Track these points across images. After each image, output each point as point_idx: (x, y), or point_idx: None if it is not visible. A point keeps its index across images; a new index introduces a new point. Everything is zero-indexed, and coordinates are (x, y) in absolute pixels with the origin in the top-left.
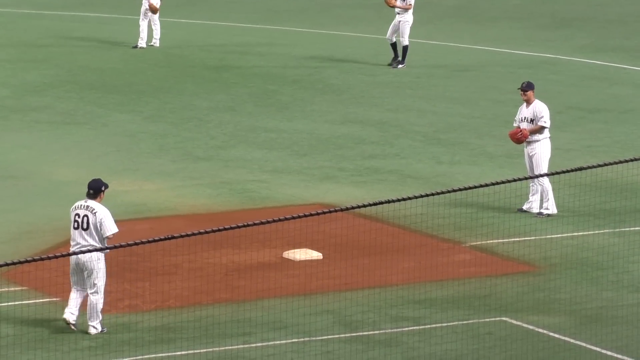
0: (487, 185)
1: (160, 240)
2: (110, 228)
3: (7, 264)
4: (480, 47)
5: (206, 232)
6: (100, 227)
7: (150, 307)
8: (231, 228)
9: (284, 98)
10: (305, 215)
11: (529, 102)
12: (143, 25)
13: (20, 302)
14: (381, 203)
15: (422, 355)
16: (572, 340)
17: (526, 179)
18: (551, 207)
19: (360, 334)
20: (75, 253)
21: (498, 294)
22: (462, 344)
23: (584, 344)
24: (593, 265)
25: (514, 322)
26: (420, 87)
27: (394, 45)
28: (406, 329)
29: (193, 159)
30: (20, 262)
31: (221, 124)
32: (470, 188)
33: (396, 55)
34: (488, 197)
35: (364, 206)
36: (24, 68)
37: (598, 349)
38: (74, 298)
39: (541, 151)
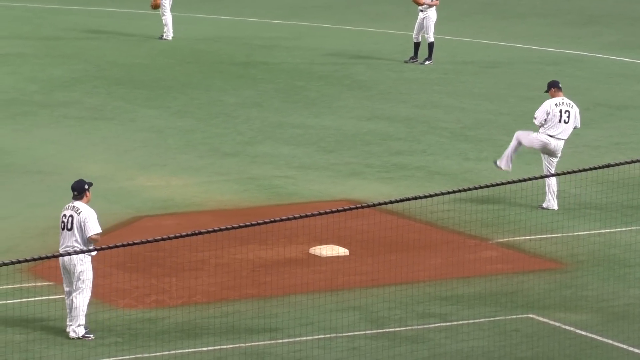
0: (514, 182)
1: (187, 235)
2: (93, 228)
3: (34, 259)
4: (508, 43)
5: (233, 228)
6: (83, 226)
7: (176, 303)
8: (258, 224)
9: (311, 94)
10: (332, 212)
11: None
12: (165, 18)
13: (47, 297)
14: (408, 199)
15: (449, 352)
16: (599, 338)
17: (553, 175)
18: (552, 204)
19: (387, 330)
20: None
21: (525, 290)
22: (489, 341)
23: (610, 342)
24: (620, 262)
25: (541, 319)
26: (448, 83)
27: (417, 45)
28: (432, 325)
29: (220, 155)
30: (47, 257)
31: (248, 120)
32: (497, 185)
33: (415, 55)
34: (515, 193)
35: (391, 202)
36: (52, 63)
37: (625, 347)
38: (69, 307)
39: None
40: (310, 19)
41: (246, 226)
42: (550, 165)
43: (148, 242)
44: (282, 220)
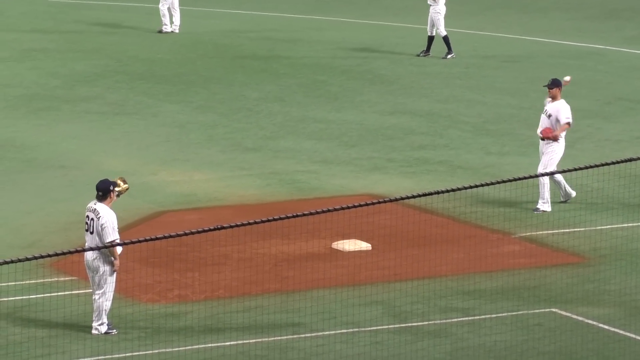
0: (536, 176)
1: (210, 230)
2: (109, 234)
3: (56, 254)
4: (530, 37)
5: (255, 223)
6: (101, 232)
7: (199, 298)
8: (280, 219)
9: (333, 89)
10: (354, 206)
11: (554, 99)
12: (163, 9)
13: (70, 292)
14: (430, 194)
15: (471, 347)
16: (621, 332)
17: (575, 170)
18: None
19: (409, 324)
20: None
21: (547, 285)
22: (512, 335)
23: (633, 335)
24: None
25: (564, 313)
26: (470, 77)
27: (430, 39)
28: (455, 320)
29: (242, 150)
30: (70, 252)
31: (270, 115)
32: (519, 179)
33: (428, 49)
34: (537, 188)
35: (413, 197)
36: (74, 58)
37: None
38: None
39: (555, 150)
40: (332, 14)
41: (268, 221)
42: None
43: (171, 237)
44: (304, 215)
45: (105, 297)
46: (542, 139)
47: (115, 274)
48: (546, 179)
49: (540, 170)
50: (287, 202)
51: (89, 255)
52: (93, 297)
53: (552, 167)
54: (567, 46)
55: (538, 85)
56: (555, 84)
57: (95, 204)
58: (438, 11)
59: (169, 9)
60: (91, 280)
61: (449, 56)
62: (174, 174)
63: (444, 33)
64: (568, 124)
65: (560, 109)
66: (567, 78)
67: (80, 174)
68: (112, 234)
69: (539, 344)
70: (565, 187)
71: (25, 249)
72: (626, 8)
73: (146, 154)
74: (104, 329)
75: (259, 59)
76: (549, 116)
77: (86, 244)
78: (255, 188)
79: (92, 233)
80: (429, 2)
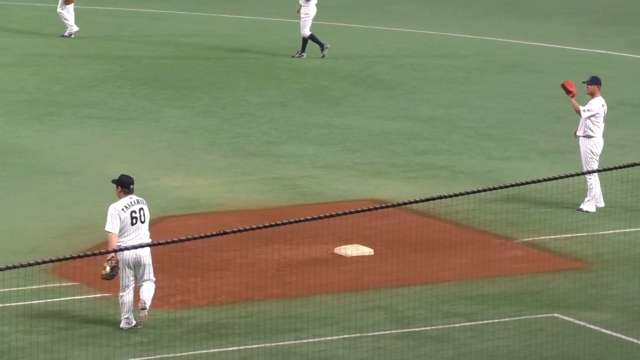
0: (538, 181)
1: (212, 235)
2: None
3: (59, 260)
4: (532, 42)
5: (258, 228)
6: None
7: (202, 303)
8: (283, 224)
9: (336, 94)
10: (356, 211)
11: (592, 96)
12: (64, 14)
13: (72, 298)
14: (433, 199)
15: (474, 352)
16: (624, 337)
17: (578, 175)
18: (591, 205)
19: (412, 330)
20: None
21: (550, 290)
22: (514, 340)
23: (636, 341)
24: None
25: (566, 318)
26: (472, 82)
27: (312, 38)
28: (458, 325)
29: (244, 155)
30: (72, 258)
31: (273, 120)
32: (521, 184)
33: (321, 45)
34: (540, 193)
35: (416, 202)
36: (76, 64)
37: None
38: (127, 302)
39: (583, 149)
40: (334, 19)
41: (271, 226)
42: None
43: (173, 242)
44: (306, 220)
45: (150, 288)
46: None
47: None
48: (588, 177)
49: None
50: (290, 207)
51: (145, 250)
52: (128, 294)
53: (594, 165)
54: (569, 51)
55: (540, 91)
56: (594, 81)
57: (131, 197)
58: (307, 12)
59: (66, 12)
60: (130, 276)
61: (300, 55)
62: (176, 179)
63: (307, 34)
64: (583, 111)
65: (591, 103)
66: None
67: (83, 180)
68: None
69: (541, 349)
70: (587, 195)
71: (28, 255)
72: (629, 13)
73: (148, 159)
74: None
75: (262, 65)
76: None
77: (135, 237)
78: (258, 193)
79: (143, 222)
80: (300, 2)
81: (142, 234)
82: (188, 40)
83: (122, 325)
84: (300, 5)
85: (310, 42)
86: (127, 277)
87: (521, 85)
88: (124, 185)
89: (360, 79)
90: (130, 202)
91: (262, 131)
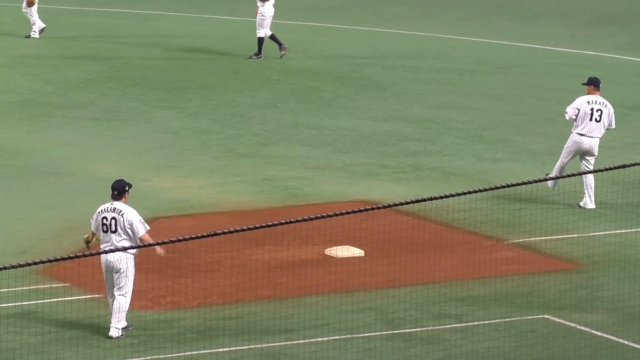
0: (529, 182)
1: (203, 237)
2: (142, 227)
3: (49, 260)
4: (523, 44)
5: (248, 229)
6: (131, 228)
7: (192, 304)
8: (273, 225)
9: (327, 95)
10: (347, 212)
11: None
12: (29, 14)
13: (63, 299)
14: (423, 200)
15: (464, 353)
16: (614, 338)
17: (568, 176)
18: (588, 202)
19: (402, 331)
20: (107, 251)
21: (540, 291)
22: (504, 342)
23: (626, 342)
24: (636, 262)
25: (556, 319)
26: (463, 84)
27: (272, 37)
28: (448, 326)
29: (235, 156)
30: (63, 259)
31: (264, 121)
32: (512, 185)
33: (280, 44)
34: (530, 194)
35: (406, 203)
36: (67, 65)
37: None
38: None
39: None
40: (325, 20)
41: (262, 227)
42: (587, 164)
43: (164, 243)
44: (297, 221)
45: (126, 298)
46: None
47: (134, 272)
48: (588, 178)
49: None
50: (280, 209)
51: (114, 256)
52: (110, 300)
53: (562, 159)
54: (560, 53)
55: (531, 92)
56: (590, 82)
57: (112, 204)
58: (263, 12)
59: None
60: (111, 281)
61: (256, 57)
62: (167, 180)
63: (261, 35)
64: (566, 112)
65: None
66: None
67: (74, 181)
68: (143, 226)
69: (531, 350)
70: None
71: (18, 256)
72: (619, 15)
73: (139, 160)
74: (121, 332)
75: (252, 66)
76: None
77: (106, 245)
78: (249, 194)
79: (115, 232)
80: (257, 4)
81: (114, 242)
82: (179, 41)
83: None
84: (257, 6)
85: (268, 42)
86: (106, 280)
87: (512, 86)
88: (111, 189)
89: (352, 80)
90: (106, 209)
91: (253, 132)
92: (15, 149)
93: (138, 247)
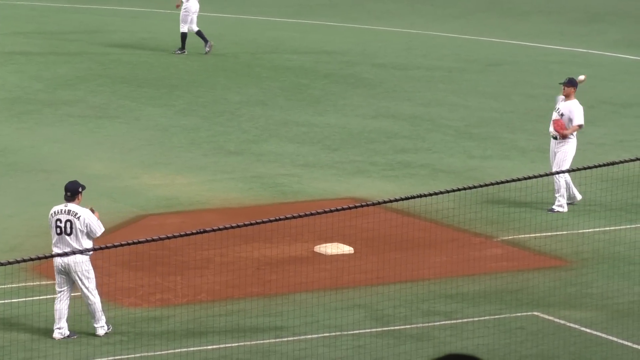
0: (518, 179)
1: (192, 234)
2: (98, 228)
3: (39, 258)
4: (513, 41)
5: (238, 226)
6: (89, 230)
7: (181, 301)
8: (263, 222)
9: (316, 92)
10: (336, 210)
11: (568, 98)
12: None
13: (52, 296)
14: (412, 197)
15: (454, 350)
16: (603, 335)
17: (557, 173)
18: (564, 205)
19: (392, 328)
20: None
21: (529, 288)
22: (494, 339)
23: (615, 339)
24: (624, 259)
25: (546, 316)
26: (452, 81)
27: (198, 34)
28: (437, 323)
29: (225, 153)
30: (52, 256)
31: (253, 118)
32: (501, 182)
33: (205, 40)
34: (520, 191)
35: (396, 200)
36: (57, 62)
37: (629, 344)
38: (58, 310)
39: (568, 149)
40: (315, 17)
41: (251, 224)
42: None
43: (153, 240)
44: (287, 218)
45: (95, 297)
46: (555, 138)
47: (93, 273)
48: (561, 178)
49: (555, 169)
50: (270, 206)
51: (71, 259)
52: (62, 302)
53: (567, 166)
54: (550, 50)
55: (521, 89)
56: (571, 82)
57: (66, 206)
58: (186, 8)
59: None
60: (63, 282)
61: (180, 52)
62: (156, 177)
63: (184, 30)
64: (580, 125)
65: (574, 110)
66: (582, 77)
67: (63, 178)
68: (100, 227)
69: (521, 347)
70: (572, 189)
71: (7, 253)
72: (609, 12)
73: (128, 158)
74: (107, 325)
75: (242, 63)
76: (562, 115)
77: (59, 248)
78: (238, 191)
79: (70, 234)
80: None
81: (69, 245)
82: (168, 38)
83: (55, 335)
84: (181, 1)
85: (192, 38)
86: (57, 283)
87: (502, 84)
88: (64, 190)
89: (341, 77)
90: (60, 210)
91: (242, 129)
92: (5, 146)
93: (93, 249)
